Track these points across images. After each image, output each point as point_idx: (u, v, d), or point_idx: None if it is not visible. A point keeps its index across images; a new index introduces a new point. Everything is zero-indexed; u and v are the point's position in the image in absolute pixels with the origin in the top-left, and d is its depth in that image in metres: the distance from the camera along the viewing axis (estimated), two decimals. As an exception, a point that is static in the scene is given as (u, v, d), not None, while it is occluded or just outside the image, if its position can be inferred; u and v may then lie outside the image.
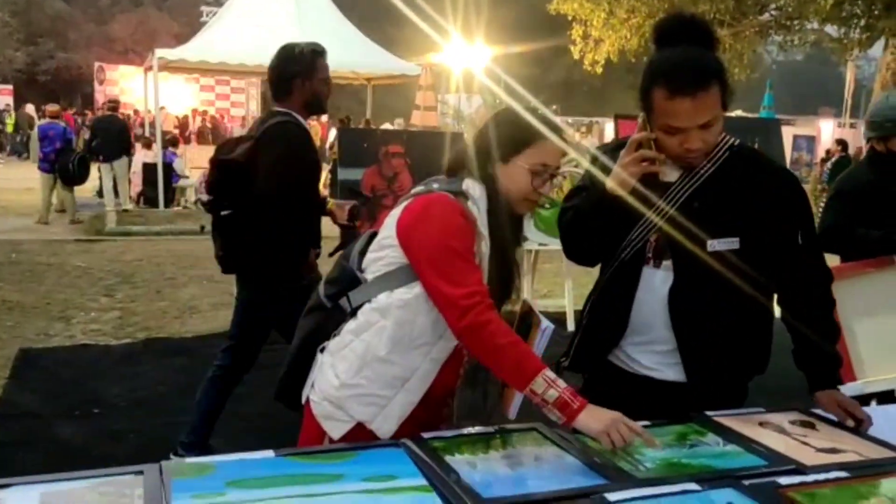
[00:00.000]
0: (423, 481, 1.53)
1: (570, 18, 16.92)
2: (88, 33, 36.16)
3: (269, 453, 1.65)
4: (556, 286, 7.35)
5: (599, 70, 17.16)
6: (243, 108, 23.95)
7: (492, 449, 1.73)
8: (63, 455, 3.56)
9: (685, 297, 1.94)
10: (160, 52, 12.94)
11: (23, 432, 3.88)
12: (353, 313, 1.90)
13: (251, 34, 13.09)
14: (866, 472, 1.69)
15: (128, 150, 12.31)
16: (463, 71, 18.04)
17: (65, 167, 10.93)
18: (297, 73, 3.18)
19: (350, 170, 5.57)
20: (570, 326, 6.41)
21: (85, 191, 12.37)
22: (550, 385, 1.68)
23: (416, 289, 1.82)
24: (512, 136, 1.87)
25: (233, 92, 24.54)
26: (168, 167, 12.96)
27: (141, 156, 13.28)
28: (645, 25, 16.64)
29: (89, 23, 37.20)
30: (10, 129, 26.10)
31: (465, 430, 1.83)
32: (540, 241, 6.31)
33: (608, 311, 2.06)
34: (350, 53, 13.78)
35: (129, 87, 23.92)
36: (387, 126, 17.55)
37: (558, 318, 6.50)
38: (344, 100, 27.00)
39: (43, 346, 5.33)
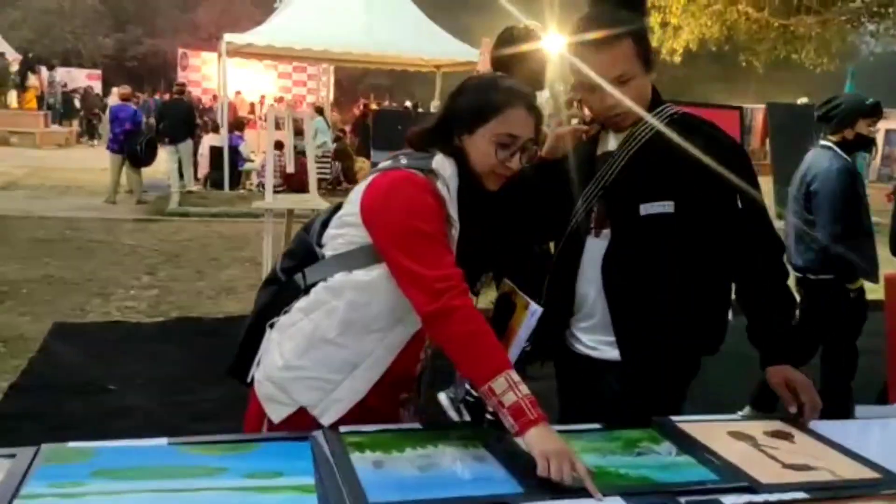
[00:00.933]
0: (309, 480, 1.39)
1: (648, 6, 16.45)
2: (174, 20, 37.24)
3: (163, 441, 1.54)
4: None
5: (678, 59, 16.62)
6: (316, 95, 24.23)
7: (411, 447, 1.57)
8: (61, 429, 3.57)
9: (619, 263, 1.89)
10: (228, 37, 13.15)
11: (33, 405, 3.93)
12: (307, 290, 1.76)
13: (319, 19, 13.17)
14: (832, 494, 1.47)
15: (193, 133, 12.52)
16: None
17: (133, 148, 11.21)
18: (516, 54, 3.09)
19: (382, 152, 5.48)
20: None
21: (157, 172, 12.68)
22: (512, 388, 1.52)
23: (375, 271, 1.68)
24: (477, 104, 1.72)
25: (309, 79, 24.86)
26: (234, 151, 13.18)
27: (208, 139, 13.54)
28: (727, 12, 16.04)
29: (175, 10, 38.30)
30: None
31: (393, 426, 1.68)
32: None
33: (557, 287, 1.99)
34: (418, 40, 13.74)
35: (210, 72, 24.46)
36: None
37: None
38: (415, 86, 27.04)
39: (76, 322, 5.42)
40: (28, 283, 6.39)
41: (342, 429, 1.64)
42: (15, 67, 22.49)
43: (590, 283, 1.93)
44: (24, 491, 1.28)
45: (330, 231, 1.78)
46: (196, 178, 12.95)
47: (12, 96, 22.43)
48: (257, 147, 15.23)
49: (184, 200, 11.33)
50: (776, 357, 1.86)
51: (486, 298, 2.00)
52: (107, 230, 8.95)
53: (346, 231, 1.73)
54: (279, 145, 8.69)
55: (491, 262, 1.89)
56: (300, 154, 8.33)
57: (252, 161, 13.74)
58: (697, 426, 1.77)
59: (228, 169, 12.78)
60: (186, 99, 13.70)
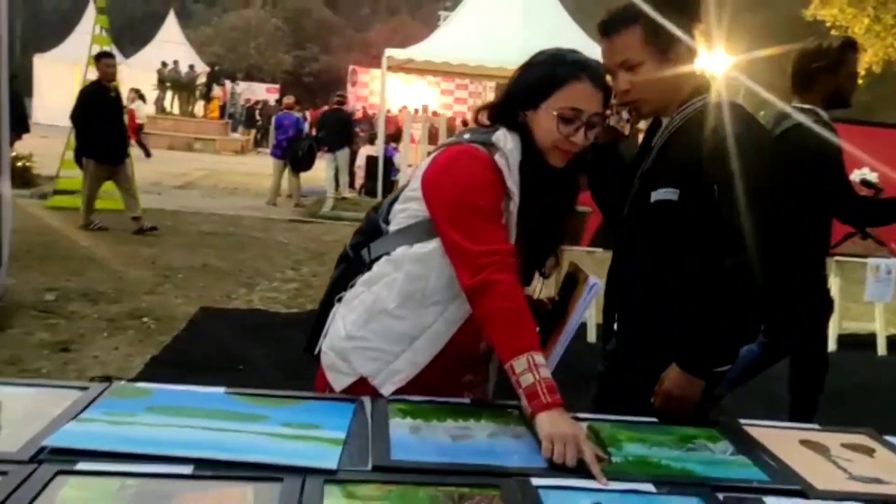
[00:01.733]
0: (341, 435, 1.43)
1: (827, 25, 15.55)
2: (349, 39, 39.21)
3: (220, 390, 1.63)
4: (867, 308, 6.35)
5: (860, 81, 15.55)
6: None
7: (452, 419, 1.57)
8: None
9: (627, 247, 1.93)
10: (389, 52, 13.67)
11: (164, 376, 4.21)
12: (371, 265, 1.81)
13: (476, 35, 13.41)
14: (894, 509, 1.33)
15: (350, 143, 13.09)
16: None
17: (294, 154, 11.90)
18: (822, 67, 3.12)
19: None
20: (881, 350, 5.78)
21: (316, 179, 13.35)
22: (531, 369, 1.50)
23: (432, 244, 1.71)
24: (541, 78, 1.71)
25: (470, 95, 25.33)
26: (388, 161, 13.65)
27: (365, 150, 14.12)
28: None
29: (350, 29, 40.32)
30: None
31: (441, 399, 1.69)
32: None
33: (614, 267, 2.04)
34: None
35: (377, 88, 25.57)
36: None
37: (866, 342, 5.89)
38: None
39: (221, 307, 5.81)
40: (187, 269, 6.93)
41: (390, 397, 1.67)
42: (203, 80, 24.44)
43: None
44: (82, 416, 1.40)
45: (396, 206, 1.82)
46: (352, 187, 13.52)
47: (199, 106, 24.41)
48: (414, 160, 15.69)
49: (337, 205, 11.86)
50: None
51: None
52: (263, 228, 9.53)
53: (408, 206, 1.77)
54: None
55: (556, 239, 1.87)
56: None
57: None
58: (767, 431, 1.67)
59: (382, 178, 13.25)
60: (345, 110, 14.33)
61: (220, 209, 10.82)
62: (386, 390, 1.71)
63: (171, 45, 26.93)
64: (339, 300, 1.85)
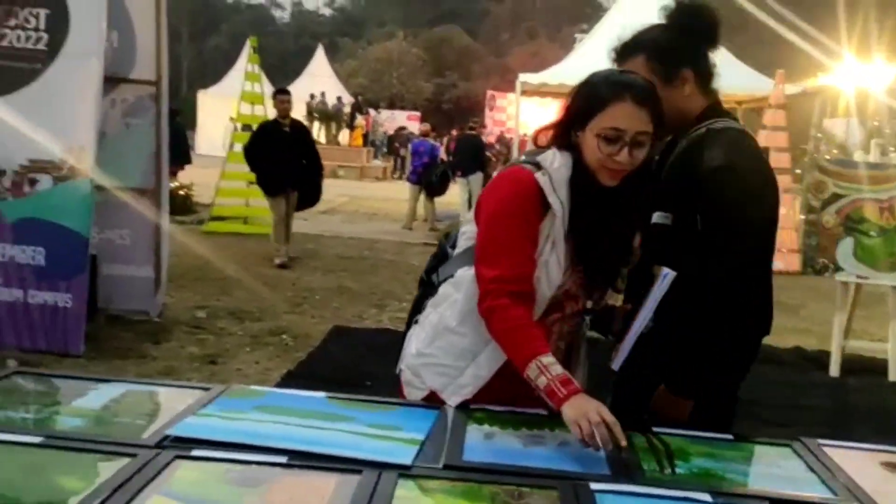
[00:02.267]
0: (420, 437, 1.57)
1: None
2: (488, 65, 39.86)
3: (322, 394, 1.82)
4: (880, 328, 6.32)
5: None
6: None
7: (527, 428, 1.69)
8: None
9: (637, 268, 1.92)
10: (523, 77, 13.87)
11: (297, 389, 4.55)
12: (438, 287, 1.96)
13: (610, 58, 13.37)
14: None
15: (483, 167, 13.34)
16: (857, 93, 16.23)
17: (429, 180, 12.29)
18: None
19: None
20: (893, 376, 5.52)
21: (452, 204, 13.70)
22: (542, 371, 1.62)
23: None
24: (586, 100, 1.76)
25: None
26: (522, 184, 13.77)
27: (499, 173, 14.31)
28: None
29: (491, 56, 40.96)
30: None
31: (520, 409, 1.80)
32: (858, 273, 5.54)
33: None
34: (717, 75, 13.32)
35: (514, 112, 25.85)
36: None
37: (876, 365, 5.66)
38: (720, 124, 25.99)
39: (353, 326, 6.13)
40: (323, 290, 7.35)
41: (473, 405, 1.80)
42: (347, 110, 25.63)
43: None
44: (201, 411, 1.63)
45: (460, 230, 1.96)
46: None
47: (344, 134, 25.59)
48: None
49: (471, 229, 12.08)
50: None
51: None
52: (397, 251, 9.91)
53: (467, 228, 1.90)
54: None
55: (623, 256, 1.88)
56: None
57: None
58: (846, 452, 1.66)
59: (516, 201, 13.38)
60: (477, 135, 14.63)
61: (358, 233, 11.35)
62: (453, 402, 1.82)
63: (319, 77, 28.44)
64: (416, 322, 2.01)
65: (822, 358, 5.76)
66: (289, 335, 5.76)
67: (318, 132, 24.83)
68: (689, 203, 1.86)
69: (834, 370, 5.57)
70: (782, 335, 6.67)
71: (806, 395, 5.06)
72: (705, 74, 1.95)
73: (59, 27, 4.68)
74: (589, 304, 1.85)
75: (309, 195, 8.66)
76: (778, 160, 9.55)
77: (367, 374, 4.92)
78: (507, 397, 1.81)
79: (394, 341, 6.10)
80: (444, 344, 1.87)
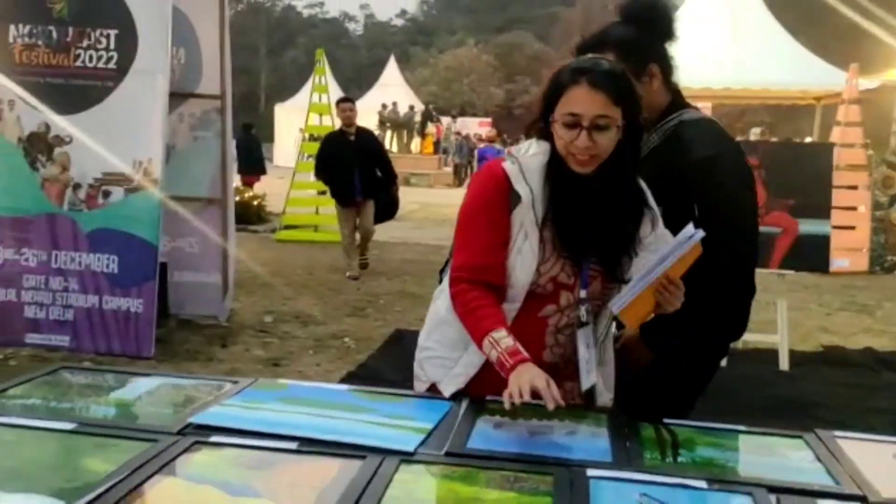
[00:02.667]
0: (429, 426, 1.63)
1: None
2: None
3: (345, 387, 1.90)
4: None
5: None
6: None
7: (537, 418, 1.72)
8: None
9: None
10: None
11: (356, 389, 4.66)
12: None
13: (681, 57, 13.09)
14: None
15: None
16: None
17: (496, 185, 12.31)
18: None
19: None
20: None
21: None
22: (493, 346, 1.70)
23: None
24: (551, 88, 1.76)
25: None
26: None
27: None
28: None
29: (562, 59, 40.67)
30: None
31: (533, 401, 1.82)
32: None
33: None
34: (793, 71, 12.97)
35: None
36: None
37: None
38: (801, 120, 25.12)
39: (413, 329, 6.21)
40: (387, 295, 7.48)
41: (487, 397, 1.84)
42: (418, 118, 25.93)
43: None
44: (225, 401, 1.72)
45: None
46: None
47: (415, 143, 25.88)
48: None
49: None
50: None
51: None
52: (461, 256, 9.97)
53: None
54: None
55: (621, 246, 1.83)
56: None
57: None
58: (861, 444, 1.64)
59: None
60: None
61: (425, 239, 11.48)
62: (448, 392, 1.86)
63: (391, 87, 28.84)
64: None
65: (894, 360, 5.55)
66: (351, 338, 5.90)
67: (389, 141, 25.21)
68: (678, 195, 1.87)
69: (906, 372, 5.36)
70: (853, 336, 6.46)
71: (874, 398, 4.88)
72: (668, 68, 1.99)
73: (127, 46, 4.94)
74: (583, 294, 1.81)
75: (386, 208, 8.64)
76: (852, 157, 9.22)
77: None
78: (503, 386, 1.79)
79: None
80: (440, 336, 1.94)
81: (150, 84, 4.94)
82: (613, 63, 1.77)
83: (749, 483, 1.40)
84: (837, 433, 1.68)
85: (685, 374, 1.97)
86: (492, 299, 1.77)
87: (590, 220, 1.78)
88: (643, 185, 1.85)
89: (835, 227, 5.61)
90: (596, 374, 1.87)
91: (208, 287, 6.00)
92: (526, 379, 1.60)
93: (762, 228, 5.39)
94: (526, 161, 1.78)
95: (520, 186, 1.76)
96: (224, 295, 6.04)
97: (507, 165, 1.78)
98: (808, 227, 5.33)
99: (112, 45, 4.95)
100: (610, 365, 1.96)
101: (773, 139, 15.57)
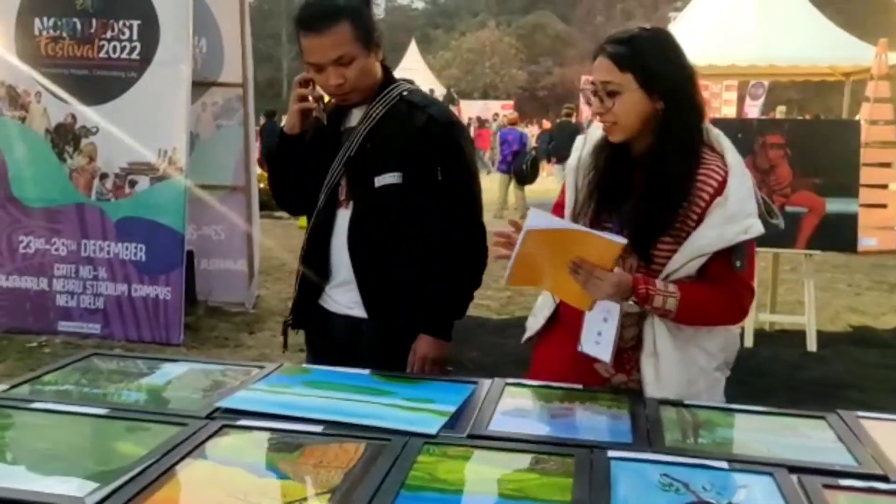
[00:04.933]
0: (451, 409, 1.65)
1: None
2: (583, 50, 39.18)
3: (366, 371, 1.92)
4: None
5: None
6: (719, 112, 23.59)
7: (559, 401, 1.74)
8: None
9: (362, 232, 2.07)
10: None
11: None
12: None
13: (706, 35, 12.95)
14: None
15: (577, 153, 13.25)
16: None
17: (519, 168, 12.30)
18: None
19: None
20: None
21: (542, 192, 13.66)
22: None
23: None
24: None
25: (712, 97, 24.34)
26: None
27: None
28: None
29: (585, 41, 40.29)
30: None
31: (556, 384, 1.85)
32: None
33: (314, 259, 2.16)
34: (821, 47, 12.75)
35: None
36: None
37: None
38: (831, 97, 24.73)
39: (438, 313, 6.25)
40: (411, 280, 7.50)
41: (508, 380, 1.86)
42: (440, 102, 25.86)
43: (341, 251, 2.10)
44: (252, 385, 1.76)
45: None
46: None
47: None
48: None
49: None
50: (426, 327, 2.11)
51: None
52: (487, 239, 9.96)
53: None
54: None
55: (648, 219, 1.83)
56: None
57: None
58: (885, 424, 1.64)
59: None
60: (573, 121, 14.51)
61: (449, 223, 11.48)
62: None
63: (412, 71, 28.75)
64: None
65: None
66: (375, 323, 5.94)
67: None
68: (421, 157, 2.03)
69: (938, 351, 5.30)
70: (882, 316, 6.39)
71: (906, 378, 4.84)
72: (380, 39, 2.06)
73: (150, 37, 4.99)
74: (633, 264, 1.79)
75: None
76: (881, 133, 9.06)
77: (448, 360, 5.02)
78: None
79: (477, 327, 6.22)
80: None
81: (173, 74, 4.98)
82: (639, 31, 1.79)
83: (769, 463, 1.41)
84: (860, 413, 1.68)
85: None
86: None
87: (622, 192, 1.82)
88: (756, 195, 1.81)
89: (864, 206, 5.52)
90: (612, 351, 1.79)
91: (234, 274, 6.06)
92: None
93: (788, 209, 5.40)
94: (592, 133, 1.92)
95: (573, 154, 1.93)
96: (250, 282, 6.10)
97: (578, 139, 1.98)
98: (835, 205, 5.26)
99: (135, 36, 5.00)
100: (659, 357, 1.81)
101: (806, 116, 15.25)
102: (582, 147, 1.93)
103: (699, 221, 1.74)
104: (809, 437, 1.56)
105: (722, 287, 1.76)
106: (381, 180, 2.04)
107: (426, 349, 2.13)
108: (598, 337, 1.81)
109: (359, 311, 2.13)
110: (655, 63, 1.74)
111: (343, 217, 2.11)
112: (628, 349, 1.85)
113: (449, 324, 2.19)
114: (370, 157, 2.05)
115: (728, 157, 1.80)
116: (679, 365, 1.79)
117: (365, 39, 1.97)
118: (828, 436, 1.57)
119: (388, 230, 2.06)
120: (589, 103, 1.87)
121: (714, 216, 1.73)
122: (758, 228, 1.74)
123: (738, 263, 1.74)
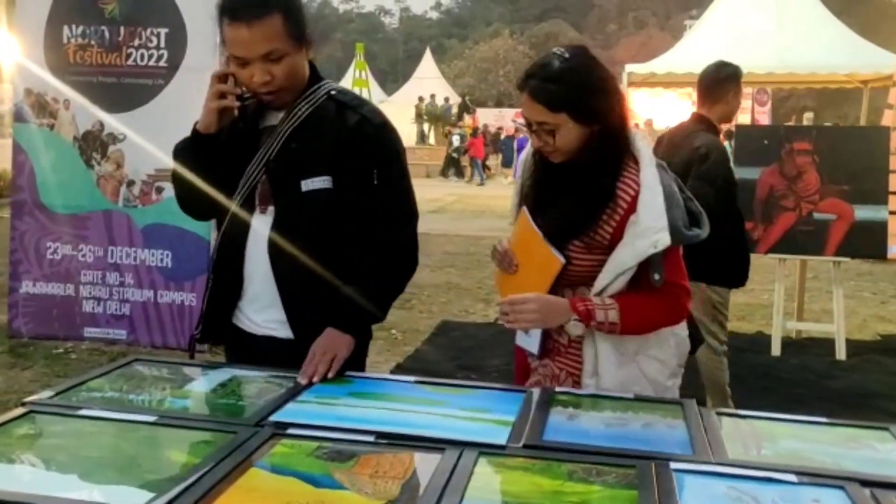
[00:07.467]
0: (511, 418, 1.62)
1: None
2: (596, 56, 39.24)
3: (411, 379, 1.89)
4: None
5: None
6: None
7: (611, 410, 1.70)
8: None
9: (285, 241, 1.90)
10: (630, 68, 13.63)
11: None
12: None
13: (724, 43, 12.87)
14: None
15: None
16: None
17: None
18: None
19: (746, 168, 5.29)
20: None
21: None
22: None
23: None
24: None
25: (726, 105, 24.22)
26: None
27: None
28: None
29: (597, 48, 40.26)
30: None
31: (603, 392, 1.82)
32: None
33: (224, 269, 2.00)
34: (840, 54, 12.66)
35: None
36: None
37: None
38: (846, 104, 24.60)
39: (459, 321, 6.23)
40: (431, 287, 7.49)
41: (557, 388, 1.83)
42: (454, 110, 25.89)
43: (257, 262, 1.93)
44: (299, 397, 1.73)
45: None
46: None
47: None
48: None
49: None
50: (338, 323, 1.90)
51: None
52: (505, 247, 9.94)
53: None
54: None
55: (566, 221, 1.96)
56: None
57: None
58: (952, 435, 1.59)
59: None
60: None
61: (466, 230, 11.47)
62: None
63: (427, 80, 28.85)
64: None
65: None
66: (398, 330, 5.91)
67: (427, 133, 25.21)
68: (356, 156, 1.90)
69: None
70: (913, 324, 6.31)
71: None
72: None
73: (177, 44, 4.99)
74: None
75: None
76: (906, 140, 8.95)
77: (472, 367, 5.02)
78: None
79: (499, 335, 6.22)
80: None
81: (200, 81, 4.95)
82: (561, 64, 1.79)
83: (840, 476, 1.37)
84: (923, 424, 1.64)
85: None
86: None
87: (549, 194, 1.92)
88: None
89: (892, 213, 5.45)
90: (539, 343, 1.98)
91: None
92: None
93: (816, 216, 5.34)
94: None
95: (528, 148, 2.02)
96: (273, 288, 6.09)
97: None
98: (863, 212, 5.21)
99: (162, 44, 5.01)
100: (601, 378, 1.89)
101: (827, 124, 15.15)
102: (522, 167, 2.07)
103: (613, 232, 1.82)
104: (876, 449, 1.52)
105: (656, 290, 1.83)
106: (309, 184, 1.89)
107: (328, 343, 1.87)
108: (527, 331, 1.97)
109: (283, 332, 1.96)
110: (587, 97, 1.79)
111: (261, 223, 1.93)
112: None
113: (361, 321, 1.97)
114: (295, 158, 1.89)
115: (643, 171, 1.83)
116: (622, 386, 1.85)
117: (297, 35, 1.83)
118: (894, 448, 1.53)
119: (315, 238, 1.91)
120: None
121: (628, 234, 1.80)
122: (665, 241, 1.77)
123: (655, 276, 1.81)
